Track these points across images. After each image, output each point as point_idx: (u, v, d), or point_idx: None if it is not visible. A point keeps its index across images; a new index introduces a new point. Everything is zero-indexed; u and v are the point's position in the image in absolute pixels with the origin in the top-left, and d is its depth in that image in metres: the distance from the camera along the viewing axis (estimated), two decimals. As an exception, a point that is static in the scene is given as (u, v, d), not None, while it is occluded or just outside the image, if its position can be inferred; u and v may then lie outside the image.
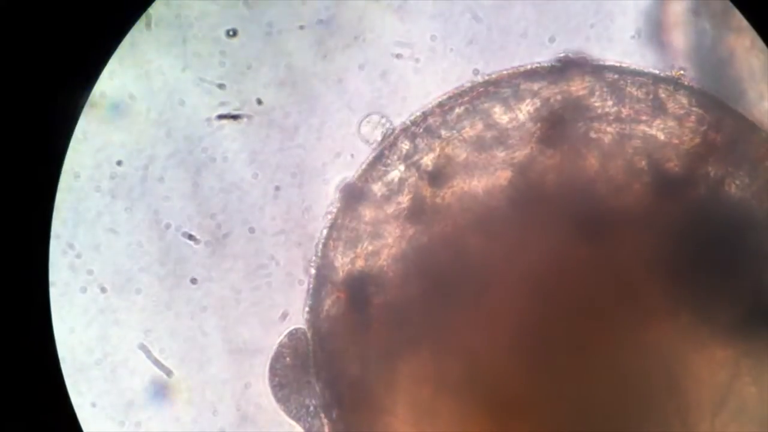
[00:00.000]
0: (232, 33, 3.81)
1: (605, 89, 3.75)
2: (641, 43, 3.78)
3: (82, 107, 3.73)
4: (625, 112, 3.73)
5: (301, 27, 3.81)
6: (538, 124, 3.74)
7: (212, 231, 3.84)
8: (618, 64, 3.77)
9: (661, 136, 3.71)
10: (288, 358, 3.75)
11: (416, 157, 3.77)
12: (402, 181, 3.77)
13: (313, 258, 3.81)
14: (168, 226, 3.83)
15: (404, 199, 3.76)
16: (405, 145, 3.79)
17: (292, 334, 3.77)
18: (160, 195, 3.83)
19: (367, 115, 3.76)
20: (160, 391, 3.83)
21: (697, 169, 3.68)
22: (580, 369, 3.64)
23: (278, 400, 3.75)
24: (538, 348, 3.65)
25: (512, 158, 3.73)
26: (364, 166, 3.79)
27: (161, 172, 3.83)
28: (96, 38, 3.62)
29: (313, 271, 3.81)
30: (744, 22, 3.70)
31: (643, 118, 3.72)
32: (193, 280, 3.83)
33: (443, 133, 3.77)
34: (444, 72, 3.81)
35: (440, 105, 3.79)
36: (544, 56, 3.78)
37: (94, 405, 3.83)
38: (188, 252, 3.83)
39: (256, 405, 3.82)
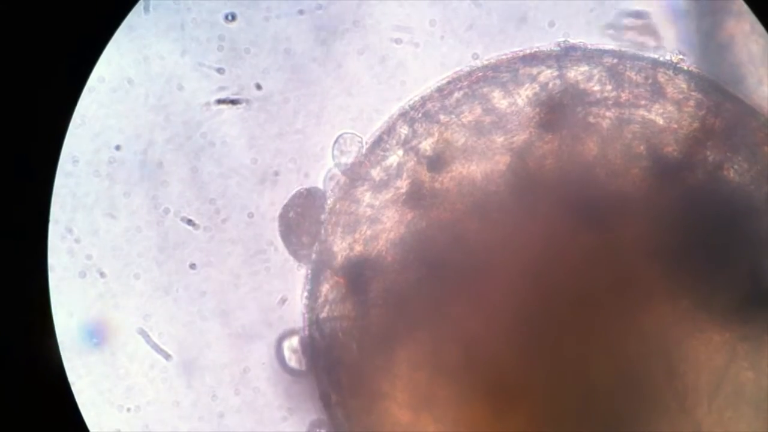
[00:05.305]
0: (231, 17, 3.79)
1: (604, 74, 3.74)
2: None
3: (80, 92, 3.72)
4: (624, 96, 3.72)
5: (300, 12, 3.79)
6: (537, 109, 3.73)
7: (211, 216, 3.83)
8: (617, 49, 3.76)
9: (660, 121, 3.71)
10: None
11: (415, 142, 3.77)
12: (400, 165, 3.77)
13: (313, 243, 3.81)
14: (167, 211, 3.83)
15: (403, 184, 3.76)
16: (404, 130, 3.78)
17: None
18: (158, 180, 3.83)
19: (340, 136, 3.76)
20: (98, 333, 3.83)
21: (695, 154, 3.68)
22: (578, 354, 3.64)
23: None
24: (537, 333, 3.66)
25: (511, 143, 3.72)
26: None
27: (160, 157, 3.83)
28: (94, 22, 3.60)
29: (312, 255, 3.81)
30: (744, 7, 3.70)
31: (642, 102, 3.72)
32: (192, 265, 3.83)
33: (442, 117, 3.77)
34: (443, 57, 3.80)
35: (439, 90, 3.78)
36: (544, 41, 3.78)
37: (93, 389, 3.84)
38: (187, 237, 3.83)
39: (255, 389, 3.83)
